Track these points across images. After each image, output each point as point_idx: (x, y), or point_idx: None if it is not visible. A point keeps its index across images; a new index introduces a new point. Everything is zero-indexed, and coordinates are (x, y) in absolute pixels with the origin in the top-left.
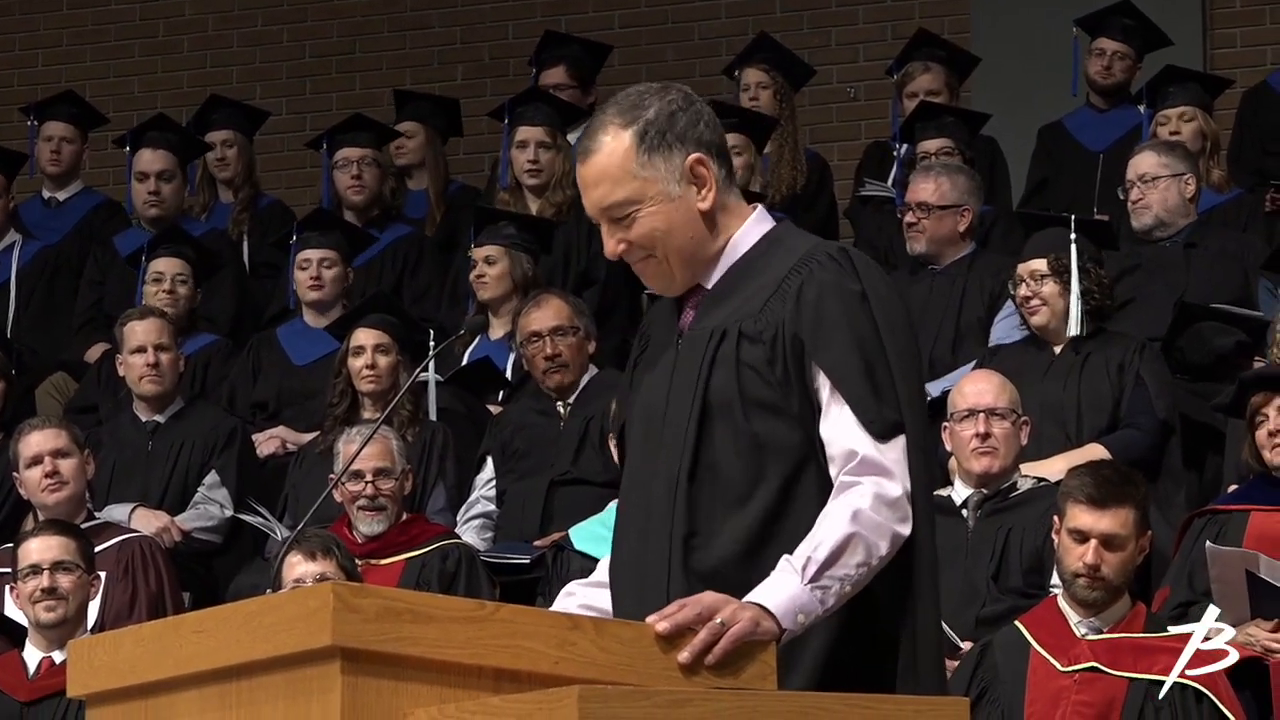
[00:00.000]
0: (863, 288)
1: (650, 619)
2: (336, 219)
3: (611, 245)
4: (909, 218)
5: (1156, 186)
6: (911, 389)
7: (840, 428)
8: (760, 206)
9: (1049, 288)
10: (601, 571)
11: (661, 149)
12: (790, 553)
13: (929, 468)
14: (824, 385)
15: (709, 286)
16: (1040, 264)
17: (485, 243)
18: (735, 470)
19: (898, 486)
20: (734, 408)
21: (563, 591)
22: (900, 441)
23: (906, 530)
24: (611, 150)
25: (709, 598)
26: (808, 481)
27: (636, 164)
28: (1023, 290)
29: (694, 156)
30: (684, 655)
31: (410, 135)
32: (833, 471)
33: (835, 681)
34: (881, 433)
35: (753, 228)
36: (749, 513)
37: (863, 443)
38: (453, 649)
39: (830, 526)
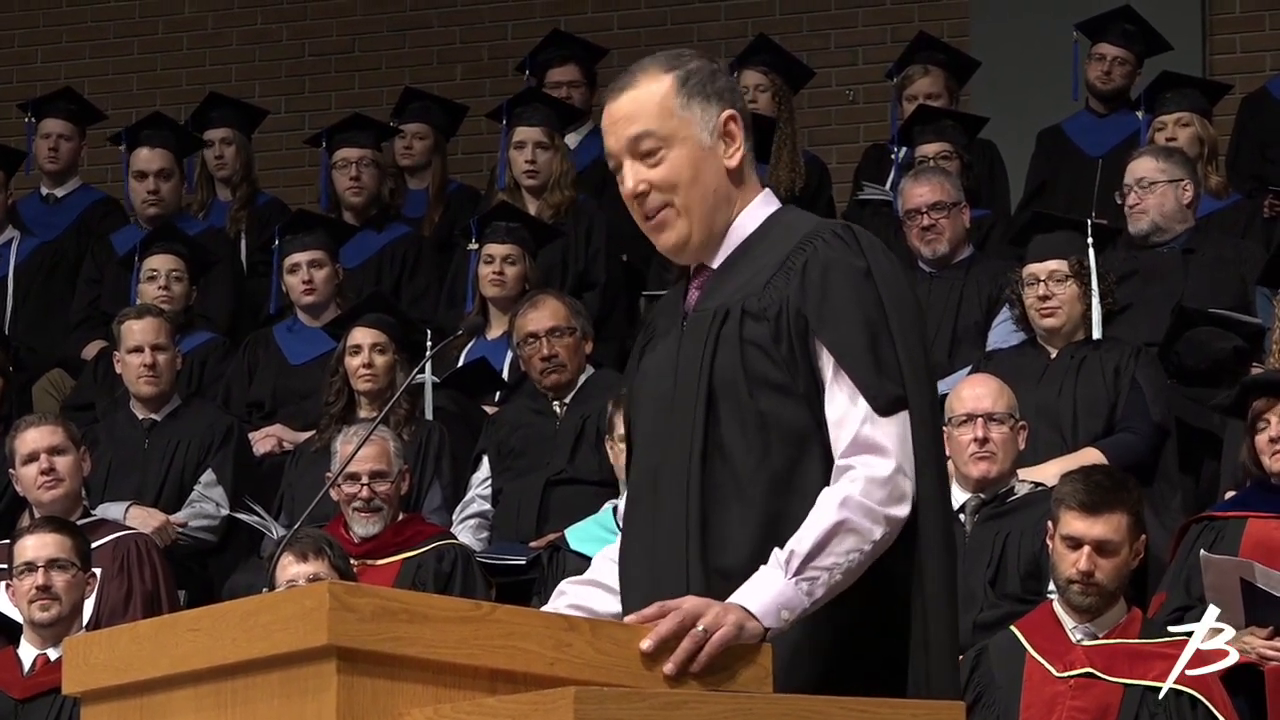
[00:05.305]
0: (867, 264)
1: (630, 619)
2: (319, 218)
3: (631, 184)
4: (924, 221)
5: (1154, 191)
6: (916, 364)
7: (838, 406)
8: (768, 189)
9: (1069, 290)
10: (595, 570)
11: (700, 97)
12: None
13: (938, 441)
14: (827, 362)
15: (714, 266)
16: (1060, 265)
17: (506, 240)
18: (742, 449)
19: (890, 463)
20: (739, 387)
21: (555, 590)
22: (902, 416)
23: (901, 512)
24: (651, 89)
25: (690, 603)
26: (814, 462)
27: (676, 104)
28: (1039, 290)
29: (729, 112)
30: (668, 667)
31: (421, 137)
32: (835, 452)
33: (843, 666)
34: (883, 407)
35: (759, 208)
36: (756, 501)
37: (860, 420)
38: (448, 649)
39: (818, 516)
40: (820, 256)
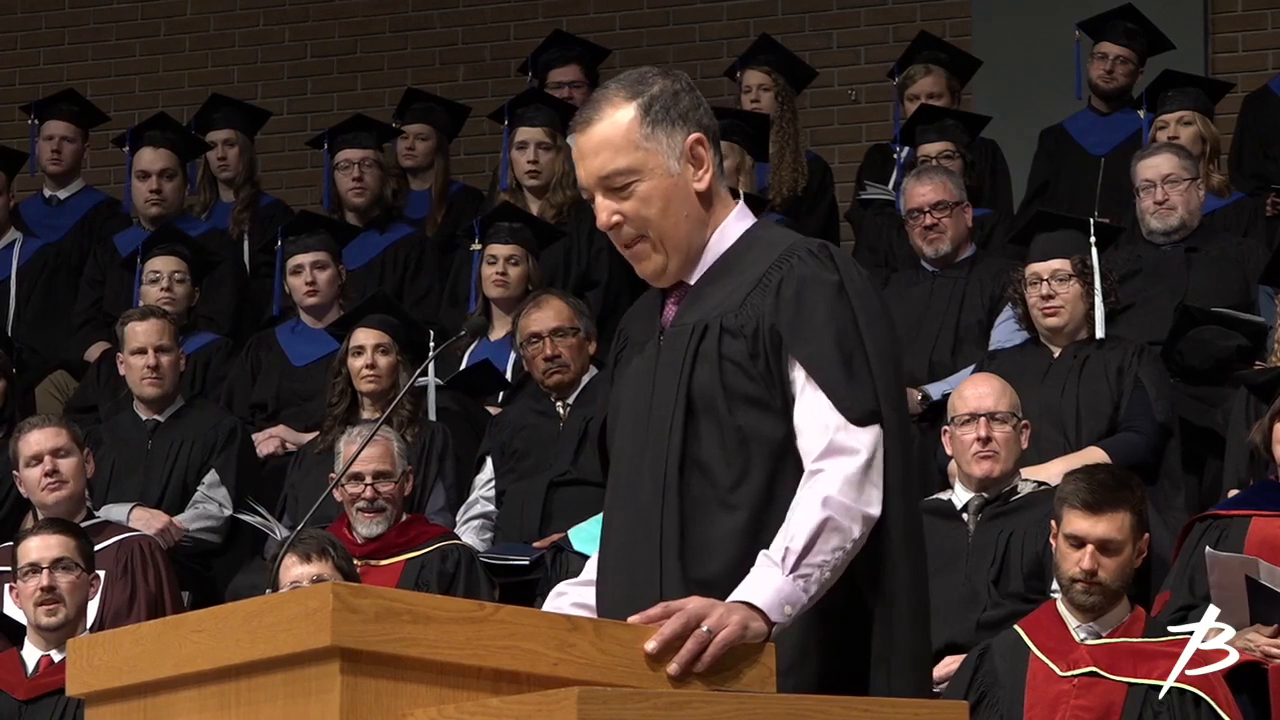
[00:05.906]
0: (840, 280)
1: (633, 619)
2: (321, 219)
3: (604, 217)
4: (927, 220)
5: (1179, 188)
6: (889, 380)
7: (810, 415)
8: (742, 202)
9: (1073, 289)
10: (591, 570)
11: (664, 124)
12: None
13: (909, 457)
14: (800, 376)
15: (691, 282)
16: (1064, 265)
17: (509, 241)
18: (721, 465)
19: (859, 461)
20: (718, 402)
21: (553, 591)
22: (875, 429)
23: (874, 511)
24: (615, 120)
25: (694, 604)
26: (793, 474)
27: (640, 135)
28: (1042, 290)
29: (694, 136)
30: (672, 667)
31: (423, 138)
32: (804, 460)
33: (826, 670)
34: (857, 419)
35: (735, 224)
36: (739, 511)
37: (831, 427)
38: (452, 650)
39: (803, 515)
40: (795, 273)
